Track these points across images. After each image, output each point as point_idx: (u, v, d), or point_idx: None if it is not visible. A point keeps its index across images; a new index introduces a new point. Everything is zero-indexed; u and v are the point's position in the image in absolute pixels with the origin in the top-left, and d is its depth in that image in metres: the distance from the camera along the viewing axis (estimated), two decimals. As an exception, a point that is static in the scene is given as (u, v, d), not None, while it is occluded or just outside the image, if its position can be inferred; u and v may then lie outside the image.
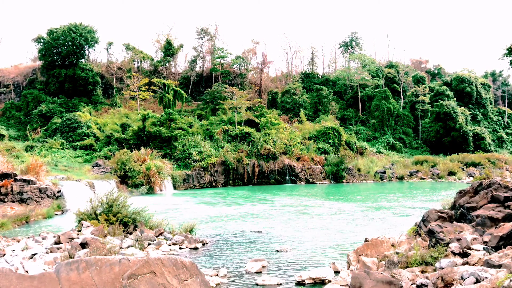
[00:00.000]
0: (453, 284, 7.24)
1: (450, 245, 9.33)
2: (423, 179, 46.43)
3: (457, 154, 52.85)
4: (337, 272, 10.66)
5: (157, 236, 14.78)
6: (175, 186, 38.25)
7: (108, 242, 12.12)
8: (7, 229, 17.40)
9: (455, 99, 63.83)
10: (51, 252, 12.03)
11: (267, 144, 44.62)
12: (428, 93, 66.30)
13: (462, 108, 60.77)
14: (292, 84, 67.40)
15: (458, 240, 9.47)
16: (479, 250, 9.12)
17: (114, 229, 14.00)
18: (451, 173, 47.00)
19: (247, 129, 46.88)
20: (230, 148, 43.91)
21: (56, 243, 12.95)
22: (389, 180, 45.72)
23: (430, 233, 10.62)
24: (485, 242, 9.68)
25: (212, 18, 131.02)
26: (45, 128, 48.10)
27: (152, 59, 70.07)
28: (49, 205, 22.64)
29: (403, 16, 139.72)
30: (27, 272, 9.73)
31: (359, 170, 46.55)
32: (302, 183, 43.84)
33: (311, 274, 10.21)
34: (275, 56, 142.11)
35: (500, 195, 11.82)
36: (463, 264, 8.35)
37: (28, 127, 49.85)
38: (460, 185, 37.32)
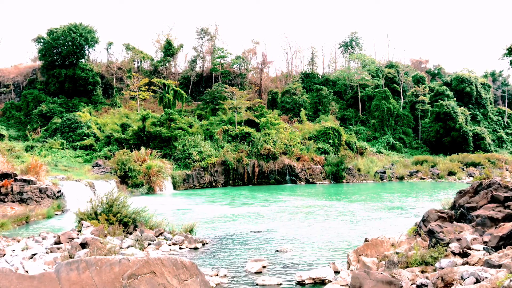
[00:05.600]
0: (453, 284, 7.24)
1: (450, 245, 9.33)
2: (423, 179, 46.42)
3: (457, 154, 52.85)
4: (337, 272, 10.65)
5: (157, 236, 14.78)
6: (175, 186, 38.25)
7: (108, 242, 12.12)
8: (7, 229, 17.39)
9: (455, 99, 63.85)
10: (51, 252, 12.03)
11: (267, 144, 44.61)
12: (428, 93, 66.30)
13: (462, 108, 60.78)
14: (292, 84, 67.39)
15: (458, 240, 9.47)
16: (479, 250, 9.12)
17: (114, 229, 14.00)
18: (451, 173, 46.99)
19: (247, 129, 46.88)
20: (230, 148, 43.90)
21: (56, 243, 12.95)
22: (389, 180, 45.71)
23: (430, 233, 10.62)
24: (485, 242, 9.68)
25: (212, 18, 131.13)
26: (45, 128, 48.10)
27: (152, 59, 70.07)
28: (49, 205, 22.64)
29: (403, 16, 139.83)
30: (27, 272, 9.73)
31: (359, 170, 46.54)
32: (302, 183, 43.83)
33: (311, 274, 10.21)
34: (275, 56, 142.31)
35: (500, 195, 11.82)
36: (463, 264, 8.35)
37: (28, 127, 49.85)
38: (460, 185, 37.32)
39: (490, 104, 71.10)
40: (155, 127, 43.66)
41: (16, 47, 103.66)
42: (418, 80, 69.42)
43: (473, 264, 8.28)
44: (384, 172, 46.21)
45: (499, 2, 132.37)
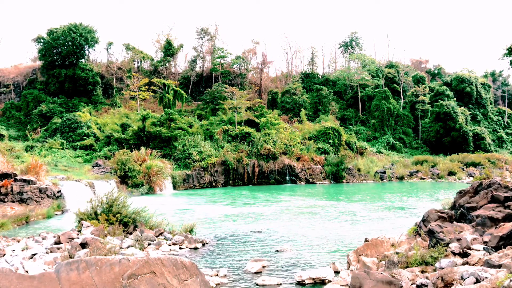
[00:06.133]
0: (453, 284, 7.24)
1: (450, 245, 9.34)
2: (423, 179, 46.42)
3: (457, 154, 52.85)
4: (337, 272, 10.66)
5: (157, 236, 14.79)
6: (175, 186, 38.25)
7: (108, 242, 12.12)
8: (7, 229, 17.40)
9: (455, 99, 63.84)
10: (51, 252, 12.04)
11: (267, 144, 44.61)
12: (428, 93, 66.30)
13: (462, 108, 60.77)
14: (292, 84, 67.38)
15: (458, 240, 9.47)
16: (479, 250, 9.12)
17: (114, 229, 14.00)
18: (451, 173, 46.99)
19: (247, 129, 46.88)
20: (230, 148, 43.89)
21: (56, 243, 12.95)
22: (389, 180, 45.71)
23: (430, 233, 10.62)
24: (485, 242, 9.69)
25: (212, 18, 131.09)
26: (45, 128, 48.09)
27: (152, 59, 70.06)
28: (49, 205, 22.64)
29: (403, 16, 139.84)
30: (27, 272, 9.74)
31: (359, 170, 46.54)
32: (302, 183, 43.82)
33: (311, 274, 10.21)
34: (275, 56, 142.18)
35: (500, 195, 11.82)
36: (463, 264, 8.35)
37: (28, 127, 49.84)
38: (460, 185, 37.32)
39: (490, 104, 71.09)
40: (155, 127, 43.66)
41: (16, 47, 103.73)
42: (418, 80, 69.41)
43: (473, 264, 8.28)
44: (384, 172, 46.21)
45: (499, 2, 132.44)
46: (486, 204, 12.14)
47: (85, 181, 27.61)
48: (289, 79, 73.52)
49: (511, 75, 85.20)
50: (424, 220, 12.20)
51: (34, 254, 11.46)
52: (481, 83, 70.42)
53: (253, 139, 45.34)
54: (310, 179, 44.34)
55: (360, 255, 10.98)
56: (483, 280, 6.90)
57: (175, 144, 42.69)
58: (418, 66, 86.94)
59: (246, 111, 53.51)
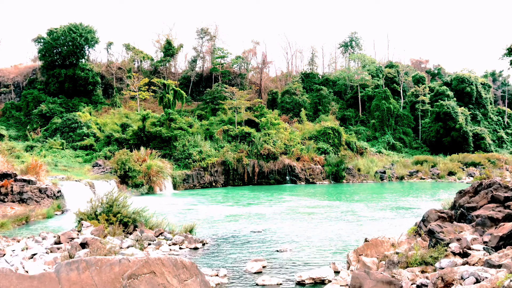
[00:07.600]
0: (453, 284, 7.24)
1: (450, 245, 9.33)
2: (423, 179, 46.41)
3: (457, 154, 52.84)
4: (337, 272, 10.66)
5: (157, 236, 14.78)
6: (175, 186, 38.24)
7: (108, 242, 12.12)
8: (7, 229, 17.39)
9: (455, 99, 63.84)
10: (51, 252, 12.03)
11: (267, 144, 44.61)
12: (428, 93, 66.30)
13: (462, 108, 60.77)
14: (292, 84, 67.39)
15: (458, 240, 9.47)
16: (479, 250, 9.12)
17: (114, 229, 14.00)
18: (451, 173, 46.99)
19: (247, 129, 46.87)
20: (230, 148, 43.89)
21: (56, 243, 12.95)
22: (389, 180, 45.71)
23: (430, 233, 10.62)
24: (485, 242, 9.69)
25: (212, 18, 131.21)
26: (45, 128, 48.10)
27: (152, 59, 70.06)
28: (49, 205, 22.63)
29: (403, 16, 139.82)
30: (27, 272, 9.73)
31: (359, 170, 46.53)
32: (302, 183, 43.82)
33: (311, 274, 10.21)
34: (275, 56, 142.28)
35: (500, 195, 11.82)
36: (463, 264, 8.35)
37: (28, 127, 49.84)
38: (460, 185, 37.31)
39: (490, 104, 71.08)
40: (155, 127, 43.65)
41: (16, 47, 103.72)
42: (418, 80, 69.40)
43: (473, 264, 8.28)
44: (384, 172, 46.20)
45: (499, 2, 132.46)
46: (486, 204, 12.15)
47: (85, 181, 27.61)
48: (289, 79, 73.51)
49: (511, 75, 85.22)
50: (424, 220, 12.19)
51: (34, 254, 11.46)
52: (481, 83, 70.41)
53: (253, 139, 45.34)
54: (310, 179, 44.33)
55: (360, 255, 10.98)
56: (483, 280, 6.90)
57: (175, 144, 42.68)
58: (418, 66, 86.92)
59: (246, 111, 53.50)
